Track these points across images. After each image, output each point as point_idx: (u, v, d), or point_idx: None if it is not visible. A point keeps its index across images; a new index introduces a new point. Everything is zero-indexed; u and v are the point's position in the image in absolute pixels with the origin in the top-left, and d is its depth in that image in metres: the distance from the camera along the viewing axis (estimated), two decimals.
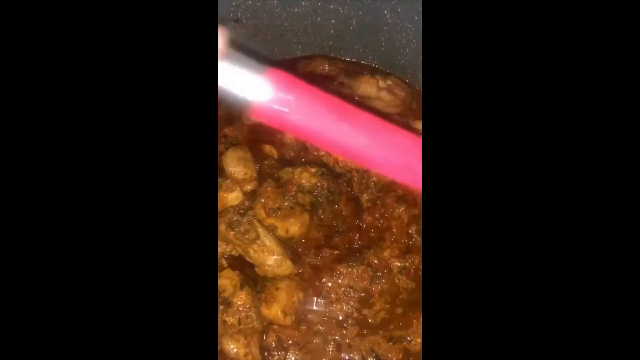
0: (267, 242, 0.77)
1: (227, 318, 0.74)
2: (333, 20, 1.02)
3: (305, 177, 0.84)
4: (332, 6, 1.00)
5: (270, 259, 0.77)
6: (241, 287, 0.75)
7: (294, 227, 0.80)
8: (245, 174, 0.84)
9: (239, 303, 0.74)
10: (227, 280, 0.75)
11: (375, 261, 0.80)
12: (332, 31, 1.04)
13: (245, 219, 0.77)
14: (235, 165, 0.85)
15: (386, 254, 0.81)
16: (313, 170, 0.84)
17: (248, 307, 0.74)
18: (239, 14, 0.97)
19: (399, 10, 0.97)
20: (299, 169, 0.84)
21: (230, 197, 0.80)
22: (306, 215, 0.82)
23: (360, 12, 1.00)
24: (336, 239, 0.82)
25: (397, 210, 0.83)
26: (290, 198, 0.82)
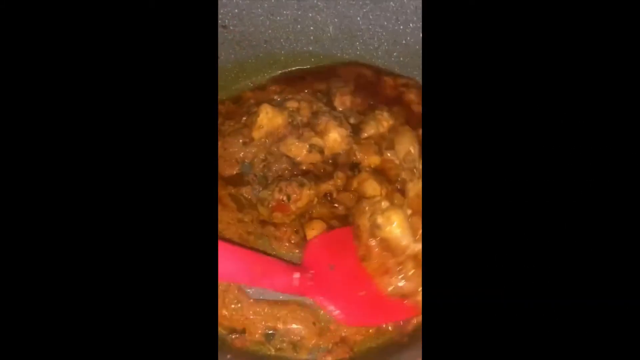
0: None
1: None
2: (312, 28, 1.13)
3: None
4: (310, 14, 1.11)
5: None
6: None
7: None
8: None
9: None
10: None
11: None
12: (312, 37, 1.14)
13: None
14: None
15: None
16: None
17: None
18: (226, 20, 1.07)
19: (371, 17, 1.08)
20: None
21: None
22: None
23: (336, 20, 1.11)
24: None
25: None
26: None
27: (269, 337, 0.85)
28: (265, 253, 0.87)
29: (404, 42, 1.08)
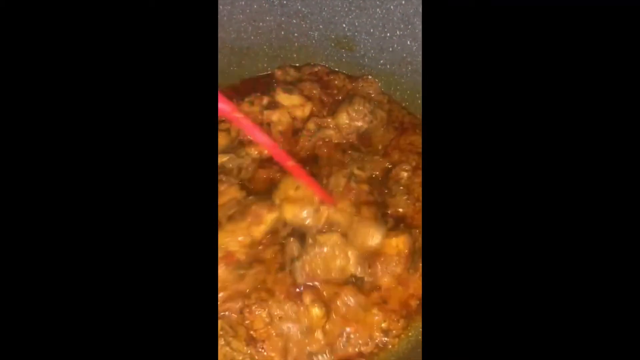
0: None
1: None
2: (296, 34, 1.09)
3: None
4: (294, 21, 1.07)
5: None
6: None
7: None
8: None
9: None
10: None
11: None
12: (296, 44, 1.11)
13: None
14: None
15: None
16: None
17: None
18: None
19: (357, 24, 1.05)
20: None
21: None
22: None
23: (321, 26, 1.08)
24: None
25: None
26: None
27: None
28: None
29: (390, 49, 1.04)
